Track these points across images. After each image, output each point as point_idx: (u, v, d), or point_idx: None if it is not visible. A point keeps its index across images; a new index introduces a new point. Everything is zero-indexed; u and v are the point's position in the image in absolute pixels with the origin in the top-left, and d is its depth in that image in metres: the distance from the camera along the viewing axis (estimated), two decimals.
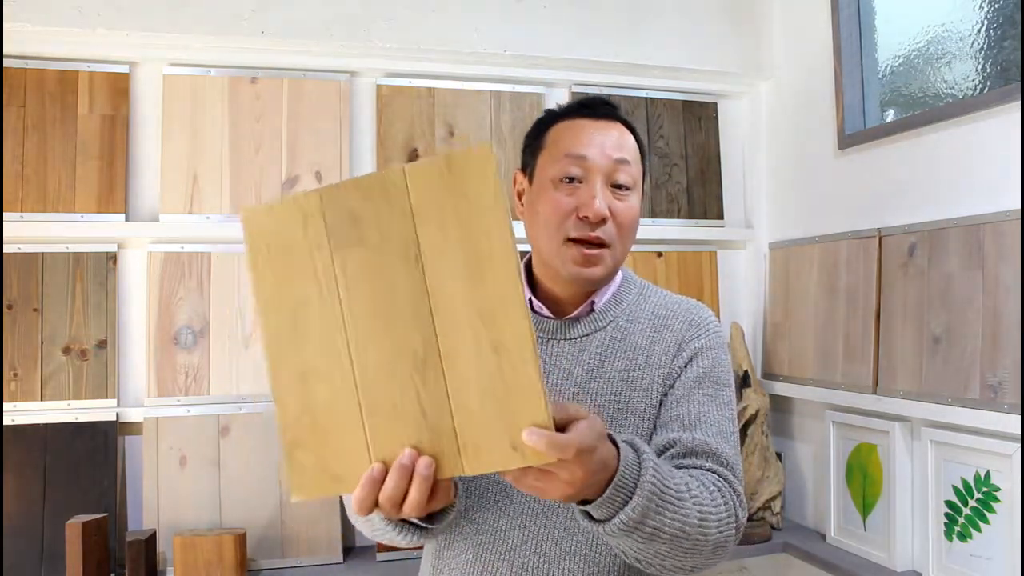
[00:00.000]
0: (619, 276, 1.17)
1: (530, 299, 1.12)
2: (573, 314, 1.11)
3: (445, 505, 0.84)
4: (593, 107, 1.11)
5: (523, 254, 1.19)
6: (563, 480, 0.76)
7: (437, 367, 0.76)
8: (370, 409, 0.77)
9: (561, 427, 0.75)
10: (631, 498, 0.83)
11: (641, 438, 1.05)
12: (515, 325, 0.75)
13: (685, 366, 1.08)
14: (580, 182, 1.06)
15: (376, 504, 0.77)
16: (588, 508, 0.84)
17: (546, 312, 1.12)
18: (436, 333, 0.76)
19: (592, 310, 1.12)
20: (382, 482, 0.76)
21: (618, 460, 0.82)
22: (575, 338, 1.10)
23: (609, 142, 1.07)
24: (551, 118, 1.12)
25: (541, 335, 1.11)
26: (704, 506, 0.92)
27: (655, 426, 1.06)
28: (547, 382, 1.07)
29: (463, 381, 0.76)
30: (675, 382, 1.07)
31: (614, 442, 0.84)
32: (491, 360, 0.75)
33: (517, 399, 0.74)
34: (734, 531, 0.96)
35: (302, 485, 0.78)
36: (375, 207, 0.77)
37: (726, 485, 0.98)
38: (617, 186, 1.07)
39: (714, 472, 0.99)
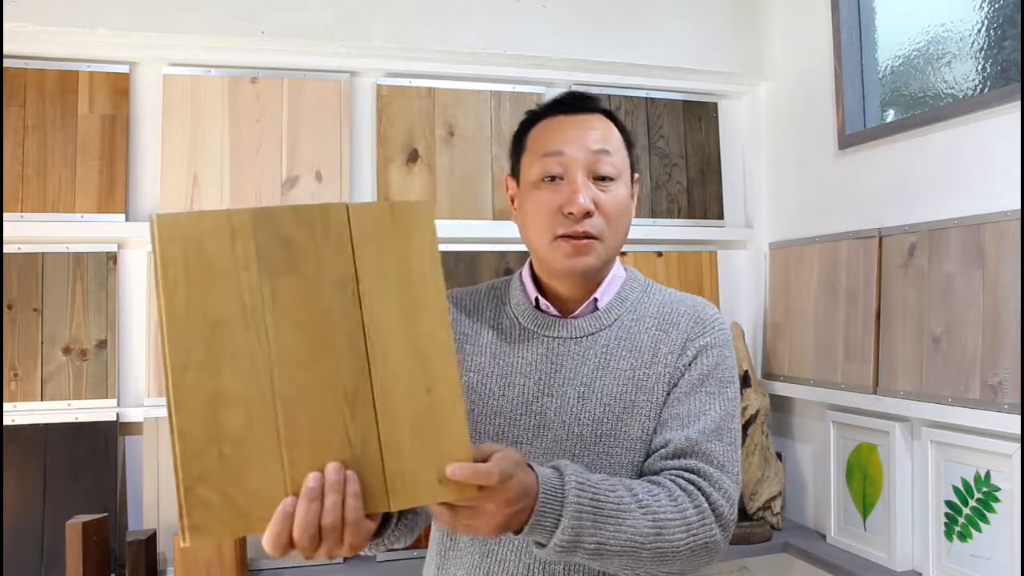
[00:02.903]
0: (623, 274, 1.16)
1: (536, 298, 1.12)
2: (577, 312, 1.11)
3: (367, 538, 0.79)
4: (569, 103, 1.11)
5: (524, 256, 1.19)
6: (490, 511, 0.80)
7: (368, 401, 0.76)
8: (291, 440, 0.74)
9: (480, 462, 0.79)
10: (560, 519, 0.86)
11: (646, 436, 1.05)
12: (445, 367, 0.79)
13: (689, 364, 1.08)
14: (562, 179, 1.06)
15: (291, 541, 0.73)
16: (526, 535, 0.87)
17: (552, 311, 1.12)
18: (370, 368, 0.77)
19: (596, 308, 1.11)
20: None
21: (538, 485, 0.85)
22: (580, 337, 1.10)
23: (589, 136, 1.07)
24: (531, 119, 1.13)
25: (547, 334, 1.11)
26: (660, 514, 0.92)
27: (657, 425, 1.06)
28: (554, 381, 1.08)
29: (394, 417, 0.77)
30: (679, 380, 1.07)
31: (533, 471, 0.87)
32: (423, 399, 0.78)
33: (444, 437, 0.78)
34: (717, 530, 0.96)
35: (203, 525, 0.71)
36: (312, 237, 0.77)
37: (704, 484, 0.98)
38: (600, 178, 1.06)
39: (694, 472, 0.99)
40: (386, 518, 0.94)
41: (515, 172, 1.15)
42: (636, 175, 1.14)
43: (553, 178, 1.06)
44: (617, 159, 1.08)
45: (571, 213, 1.04)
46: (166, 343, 0.73)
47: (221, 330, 0.74)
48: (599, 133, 1.08)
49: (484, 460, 0.80)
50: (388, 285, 0.78)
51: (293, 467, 0.74)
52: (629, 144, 1.13)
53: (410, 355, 0.78)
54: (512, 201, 1.16)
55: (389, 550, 1.91)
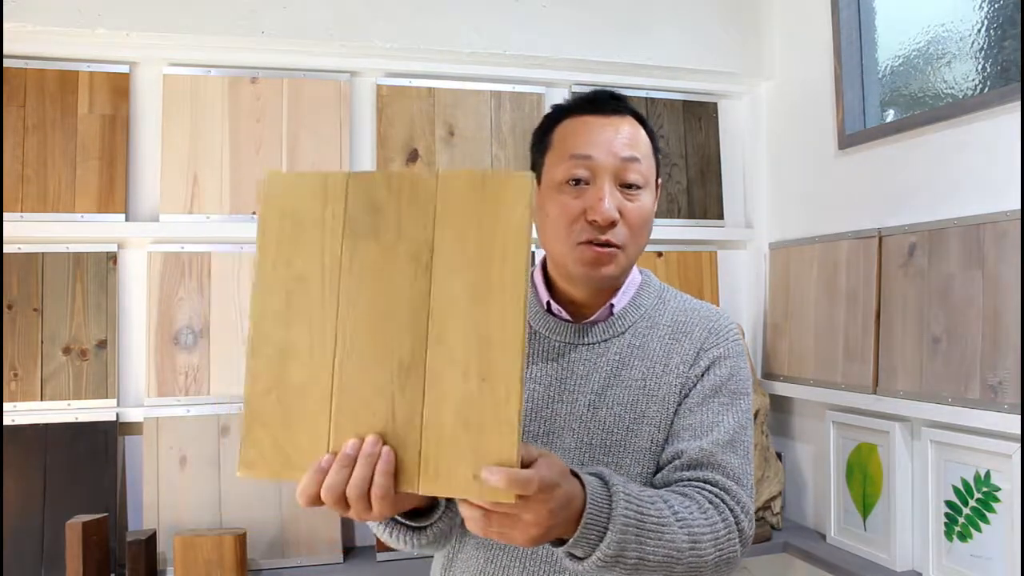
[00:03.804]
0: (638, 278, 1.14)
1: (548, 302, 1.09)
2: (592, 318, 1.08)
3: (399, 511, 0.79)
4: (599, 102, 1.06)
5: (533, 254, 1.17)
6: (527, 522, 0.75)
7: (419, 378, 0.75)
8: (341, 403, 0.76)
9: (524, 466, 0.74)
10: (605, 533, 0.82)
11: (655, 447, 1.04)
12: (508, 360, 0.73)
13: (702, 375, 1.05)
14: (587, 183, 1.02)
15: (319, 496, 0.75)
16: (567, 548, 0.83)
17: (565, 315, 1.09)
18: (427, 344, 0.75)
19: (611, 314, 1.09)
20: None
21: (585, 496, 0.82)
22: (593, 343, 1.07)
23: (617, 140, 1.02)
24: (557, 115, 1.08)
25: (559, 339, 1.08)
26: (694, 528, 0.90)
27: (668, 436, 1.04)
28: (564, 387, 1.05)
29: (441, 400, 0.74)
30: (691, 391, 1.05)
31: (579, 478, 0.83)
32: (476, 387, 0.73)
33: (491, 433, 0.73)
34: (738, 545, 0.95)
35: (252, 462, 0.77)
36: (398, 203, 0.77)
37: (727, 497, 0.96)
38: (627, 185, 1.02)
39: (714, 485, 0.98)
40: (434, 505, 0.93)
41: (535, 168, 1.10)
42: (659, 180, 1.11)
43: (578, 182, 1.02)
44: (645, 166, 1.04)
45: (595, 221, 1.00)
46: (255, 290, 0.79)
47: (300, 286, 0.77)
48: (629, 138, 1.03)
49: (528, 463, 0.75)
50: (464, 260, 0.75)
51: (338, 428, 0.76)
52: (656, 148, 1.09)
53: (471, 338, 0.74)
54: None
55: (402, 555, 1.91)
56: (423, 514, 0.93)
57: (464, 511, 0.77)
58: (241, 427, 0.78)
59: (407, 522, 0.93)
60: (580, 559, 0.84)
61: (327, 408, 0.76)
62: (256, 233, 0.78)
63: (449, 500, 0.95)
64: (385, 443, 0.75)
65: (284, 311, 0.77)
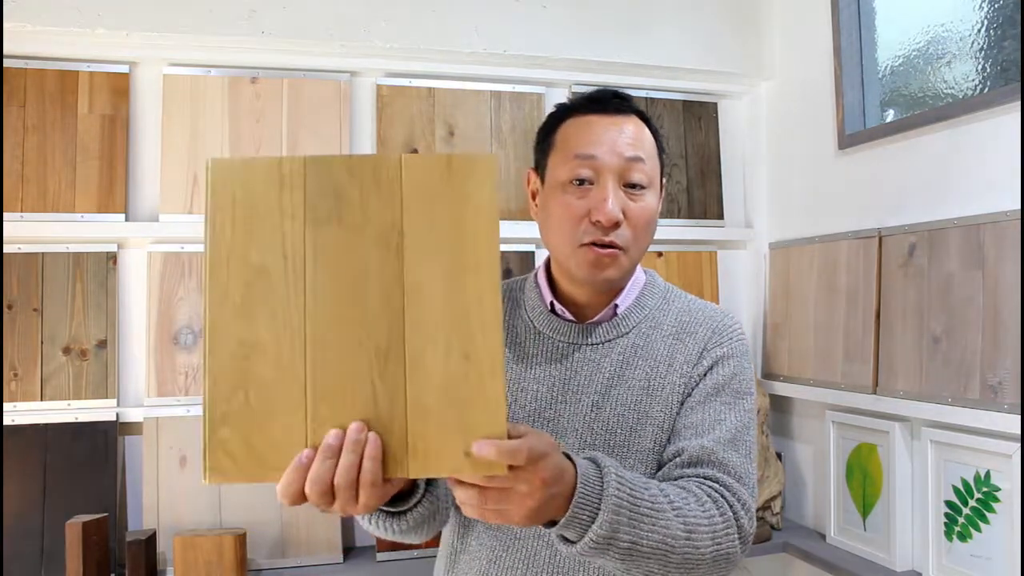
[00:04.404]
0: (642, 278, 1.13)
1: (552, 302, 1.09)
2: (596, 318, 1.08)
3: (382, 500, 0.79)
4: (603, 102, 1.06)
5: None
6: (522, 493, 0.75)
7: (399, 362, 0.74)
8: (317, 394, 0.74)
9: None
10: (597, 514, 0.82)
11: (658, 448, 1.03)
12: (488, 336, 0.73)
13: (705, 374, 1.05)
14: (591, 183, 1.01)
15: (303, 493, 0.74)
16: (559, 530, 0.83)
17: (568, 316, 1.09)
18: (405, 327, 0.74)
19: (615, 314, 1.08)
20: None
21: (576, 476, 0.82)
22: (597, 344, 1.07)
23: (621, 139, 1.02)
24: (561, 114, 1.08)
25: (563, 340, 1.08)
26: (690, 517, 0.90)
27: (670, 435, 1.04)
28: (568, 388, 1.05)
29: (424, 381, 0.74)
30: (693, 390, 1.04)
31: (571, 460, 0.83)
32: (459, 366, 0.73)
33: (478, 410, 0.73)
34: (737, 542, 0.94)
35: (221, 468, 0.73)
36: (362, 187, 0.75)
37: (728, 493, 0.96)
38: (631, 185, 1.02)
39: (714, 481, 0.97)
40: (413, 489, 0.92)
41: (539, 167, 1.09)
42: (664, 180, 1.10)
43: (582, 182, 1.01)
44: (649, 166, 1.04)
45: (599, 221, 1.00)
46: (207, 285, 0.74)
47: (261, 277, 0.74)
48: (633, 138, 1.03)
49: (515, 438, 0.75)
50: (435, 242, 0.74)
51: (316, 421, 0.73)
52: (661, 148, 1.08)
53: (450, 317, 0.73)
54: (533, 197, 1.11)
55: (401, 544, 1.91)
56: (402, 499, 0.93)
57: (459, 494, 0.77)
58: (203, 431, 0.74)
59: (387, 508, 0.92)
60: (573, 543, 0.84)
61: (302, 402, 0.74)
62: (205, 224, 0.74)
63: (428, 485, 0.95)
64: (370, 429, 0.74)
65: (244, 305, 0.74)
